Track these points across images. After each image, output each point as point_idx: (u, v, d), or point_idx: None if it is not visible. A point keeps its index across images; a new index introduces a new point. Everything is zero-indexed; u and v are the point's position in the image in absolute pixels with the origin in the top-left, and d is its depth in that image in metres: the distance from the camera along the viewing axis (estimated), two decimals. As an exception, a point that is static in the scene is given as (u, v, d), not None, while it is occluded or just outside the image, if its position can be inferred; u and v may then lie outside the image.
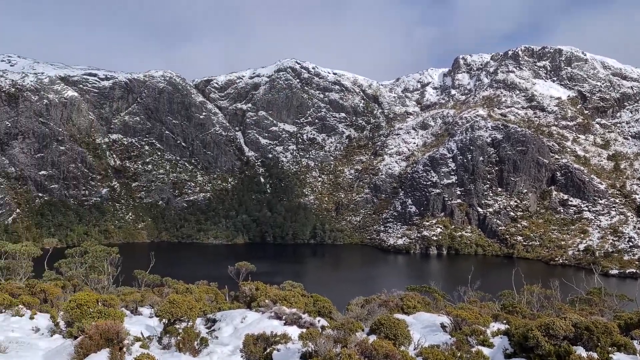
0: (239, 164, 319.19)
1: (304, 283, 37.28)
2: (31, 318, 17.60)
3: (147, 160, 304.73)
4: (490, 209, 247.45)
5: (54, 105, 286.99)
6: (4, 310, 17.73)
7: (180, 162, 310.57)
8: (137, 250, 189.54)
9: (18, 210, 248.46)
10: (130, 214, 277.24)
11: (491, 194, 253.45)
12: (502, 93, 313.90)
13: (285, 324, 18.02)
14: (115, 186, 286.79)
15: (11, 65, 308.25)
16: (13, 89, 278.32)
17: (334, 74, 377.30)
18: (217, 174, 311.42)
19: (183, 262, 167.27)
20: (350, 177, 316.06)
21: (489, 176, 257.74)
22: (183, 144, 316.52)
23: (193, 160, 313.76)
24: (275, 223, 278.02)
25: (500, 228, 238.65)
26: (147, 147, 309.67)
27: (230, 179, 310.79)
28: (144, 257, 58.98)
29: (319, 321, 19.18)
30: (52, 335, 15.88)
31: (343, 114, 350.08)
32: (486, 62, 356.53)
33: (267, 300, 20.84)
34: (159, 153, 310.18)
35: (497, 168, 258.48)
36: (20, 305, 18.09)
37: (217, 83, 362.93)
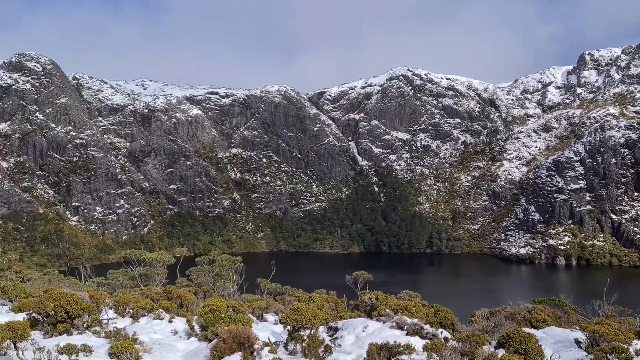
0: (352, 173, 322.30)
1: (421, 293, 36.58)
2: (170, 321, 19.03)
3: (265, 172, 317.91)
4: (626, 216, 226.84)
5: (181, 124, 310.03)
6: (147, 313, 19.36)
7: (296, 174, 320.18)
8: (258, 260, 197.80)
9: (152, 221, 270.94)
10: (250, 224, 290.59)
11: (627, 199, 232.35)
12: (636, 89, 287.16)
13: (407, 334, 17.78)
14: (236, 198, 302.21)
15: (144, 89, 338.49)
16: (146, 111, 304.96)
17: (447, 79, 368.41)
18: (332, 184, 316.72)
19: (301, 271, 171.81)
20: (467, 184, 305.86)
21: (623, 180, 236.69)
22: (298, 155, 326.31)
23: (308, 171, 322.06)
24: (390, 232, 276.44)
25: (638, 236, 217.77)
26: (264, 160, 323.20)
27: (344, 189, 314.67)
28: (264, 266, 61.31)
29: (441, 332, 18.72)
30: (188, 338, 17.04)
31: (458, 120, 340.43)
32: (616, 56, 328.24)
33: (387, 310, 20.73)
34: (276, 165, 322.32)
35: (632, 171, 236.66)
36: (160, 310, 19.65)
37: (329, 95, 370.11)
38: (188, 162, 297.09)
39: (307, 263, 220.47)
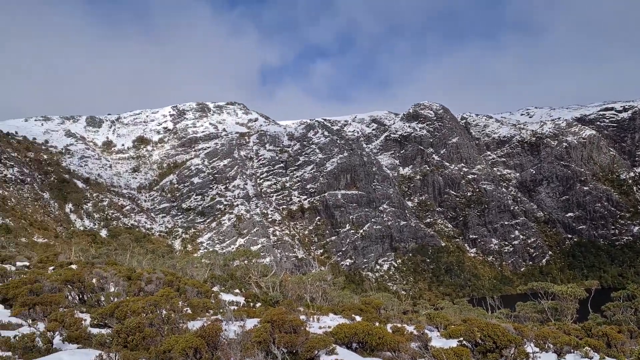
0: None
1: None
2: (600, 362, 16.79)
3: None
4: None
5: (572, 147, 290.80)
6: (572, 350, 17.66)
7: None
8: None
9: (550, 252, 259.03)
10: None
11: None
12: None
13: None
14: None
15: (530, 117, 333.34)
16: (534, 139, 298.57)
17: None
18: None
19: None
20: None
21: None
22: None
23: None
24: None
25: None
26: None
27: None
28: None
29: None
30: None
31: None
32: None
33: None
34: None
35: None
36: (587, 348, 17.65)
37: None
38: (585, 188, 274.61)
39: None
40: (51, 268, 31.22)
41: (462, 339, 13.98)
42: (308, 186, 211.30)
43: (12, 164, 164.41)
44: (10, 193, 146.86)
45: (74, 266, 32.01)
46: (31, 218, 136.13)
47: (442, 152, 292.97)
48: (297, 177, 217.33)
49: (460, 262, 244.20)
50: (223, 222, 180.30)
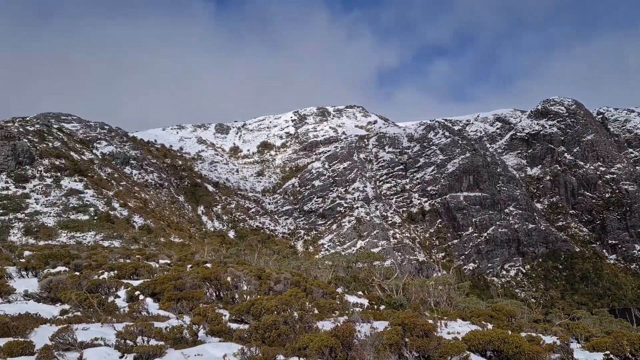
0: None
1: None
2: None
3: None
4: None
5: None
6: None
7: None
8: None
9: None
10: None
11: None
12: None
13: None
14: None
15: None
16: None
17: None
18: None
19: None
20: None
21: None
22: None
23: None
24: None
25: None
26: None
27: None
28: None
29: None
30: None
31: None
32: None
33: None
34: None
35: None
36: None
37: None
38: None
39: None
40: (189, 266, 33.58)
41: (608, 352, 12.78)
42: (429, 188, 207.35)
43: (152, 169, 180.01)
44: (151, 196, 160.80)
45: (208, 265, 34.20)
46: (168, 219, 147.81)
47: (575, 150, 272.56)
48: (417, 179, 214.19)
49: (597, 269, 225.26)
50: (343, 224, 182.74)
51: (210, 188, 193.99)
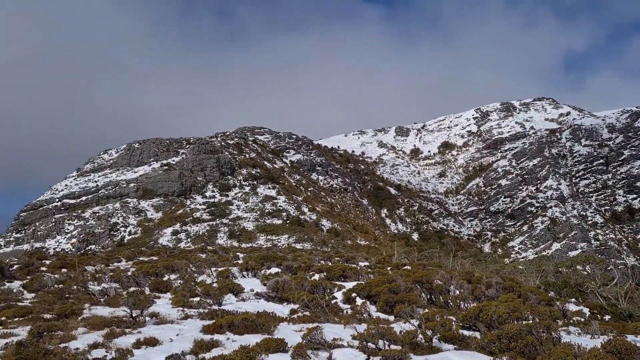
0: None
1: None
2: None
3: None
4: None
5: None
6: None
7: None
8: None
9: None
10: None
11: None
12: None
13: None
14: None
15: None
16: None
17: None
18: None
19: None
20: None
21: None
22: None
23: None
24: None
25: None
26: None
27: None
28: None
29: None
30: None
31: None
32: None
33: None
34: None
35: None
36: None
37: None
38: None
39: None
40: (389, 268, 33.69)
41: None
42: (637, 183, 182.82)
43: (337, 175, 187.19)
44: (336, 200, 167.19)
45: (408, 267, 33.96)
46: (354, 222, 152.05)
47: None
48: (621, 173, 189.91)
49: None
50: (535, 225, 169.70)
51: (393, 191, 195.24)
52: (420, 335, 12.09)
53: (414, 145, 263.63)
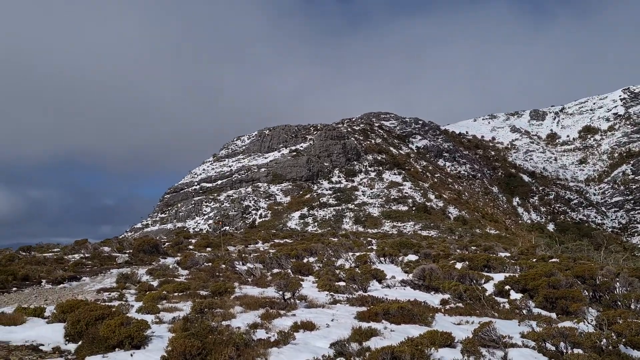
0: None
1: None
2: None
3: None
4: None
5: None
6: None
7: None
8: None
9: None
10: None
11: None
12: None
13: None
14: None
15: None
16: None
17: None
18: None
19: None
20: None
21: None
22: None
23: None
24: None
25: None
26: None
27: None
28: None
29: None
30: None
31: None
32: None
33: None
34: None
35: None
36: None
37: None
38: None
39: None
40: (534, 260, 31.24)
41: None
42: None
43: (465, 161, 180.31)
44: (464, 188, 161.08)
45: (555, 259, 31.27)
46: (483, 211, 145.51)
47: None
48: None
49: None
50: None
51: (526, 178, 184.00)
52: (604, 339, 10.58)
53: (551, 130, 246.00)
